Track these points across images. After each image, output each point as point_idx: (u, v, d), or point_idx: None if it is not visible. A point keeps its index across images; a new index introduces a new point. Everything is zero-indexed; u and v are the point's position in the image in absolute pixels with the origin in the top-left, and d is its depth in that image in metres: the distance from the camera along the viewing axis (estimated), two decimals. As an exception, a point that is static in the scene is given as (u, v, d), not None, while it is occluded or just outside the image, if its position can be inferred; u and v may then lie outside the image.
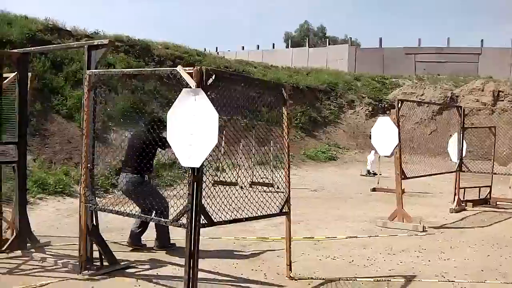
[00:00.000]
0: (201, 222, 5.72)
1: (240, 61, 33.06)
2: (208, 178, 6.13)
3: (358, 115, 31.77)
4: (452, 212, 13.23)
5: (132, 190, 8.27)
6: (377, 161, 18.49)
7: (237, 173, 17.14)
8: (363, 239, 9.92)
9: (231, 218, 6.32)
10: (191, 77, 5.70)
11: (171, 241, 8.82)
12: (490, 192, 15.05)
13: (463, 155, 13.91)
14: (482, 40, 40.04)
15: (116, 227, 9.76)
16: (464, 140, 13.98)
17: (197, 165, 5.56)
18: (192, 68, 5.83)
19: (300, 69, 36.73)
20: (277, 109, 8.03)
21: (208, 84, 5.75)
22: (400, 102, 11.51)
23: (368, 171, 20.72)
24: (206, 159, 5.60)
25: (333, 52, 42.92)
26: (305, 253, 8.84)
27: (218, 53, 48.36)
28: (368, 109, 32.23)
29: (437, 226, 11.41)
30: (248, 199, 6.89)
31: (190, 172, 5.64)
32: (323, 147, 26.30)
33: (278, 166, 21.40)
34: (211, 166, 15.86)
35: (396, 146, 11.03)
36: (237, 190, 6.77)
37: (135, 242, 8.70)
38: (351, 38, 46.74)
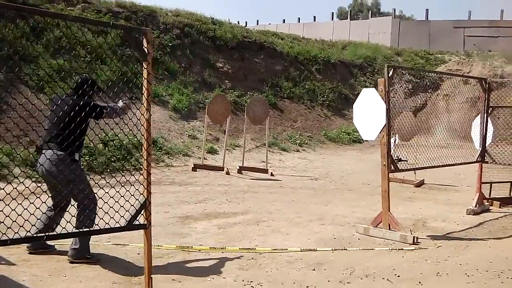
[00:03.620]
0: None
1: (265, 31, 30.27)
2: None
3: (396, 93, 28.69)
4: (469, 214, 10.40)
5: (56, 171, 6.06)
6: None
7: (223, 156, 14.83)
8: (322, 254, 7.24)
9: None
10: None
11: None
12: (524, 189, 12.11)
13: (488, 142, 11.00)
14: (541, 13, 36.24)
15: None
16: (490, 123, 11.05)
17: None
18: None
19: (336, 42, 33.84)
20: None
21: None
22: (391, 69, 8.67)
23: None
24: None
25: (375, 25, 39.71)
26: (222, 273, 6.24)
27: (258, 25, 46.03)
28: (407, 87, 29.09)
29: (438, 235, 8.62)
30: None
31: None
32: (349, 128, 23.37)
33: (287, 149, 19.04)
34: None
35: (383, 128, 8.25)
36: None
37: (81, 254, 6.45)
38: (395, 10, 43.24)
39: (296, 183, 13.29)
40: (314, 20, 46.44)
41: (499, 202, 11.41)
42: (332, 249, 7.46)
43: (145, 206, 4.95)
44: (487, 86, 10.87)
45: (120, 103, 6.75)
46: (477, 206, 10.66)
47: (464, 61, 31.50)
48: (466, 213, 10.41)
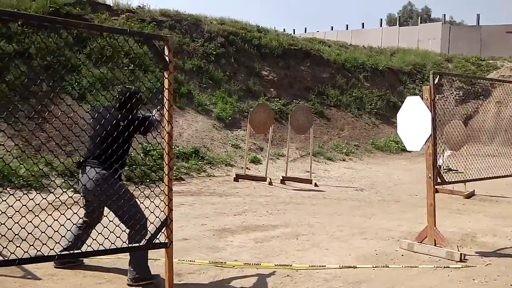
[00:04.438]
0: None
1: (311, 39, 29.90)
2: None
3: (446, 100, 27.97)
4: (522, 228, 9.85)
5: (99, 191, 5.76)
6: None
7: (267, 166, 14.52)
8: (362, 272, 6.83)
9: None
10: None
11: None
12: None
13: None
14: None
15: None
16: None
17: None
18: None
19: (384, 49, 33.26)
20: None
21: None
22: (437, 76, 8.23)
23: (440, 166, 16.99)
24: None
25: (424, 31, 38.94)
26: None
27: (307, 33, 45.80)
28: (458, 93, 28.36)
29: (488, 251, 8.12)
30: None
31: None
32: (397, 137, 22.74)
33: (333, 158, 18.63)
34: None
35: (429, 138, 7.82)
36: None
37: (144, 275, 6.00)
38: (445, 15, 42.47)
39: (340, 194, 12.89)
40: (363, 27, 45.91)
41: (554, 215, 10.82)
42: (373, 266, 7.06)
43: (166, 223, 4.66)
44: (540, 92, 10.31)
45: (157, 114, 6.24)
46: (531, 219, 10.11)
47: (518, 67, 30.60)
48: (519, 227, 9.87)
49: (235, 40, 22.37)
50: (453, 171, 15.33)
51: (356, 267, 6.98)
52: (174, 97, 17.05)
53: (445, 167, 16.04)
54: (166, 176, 4.78)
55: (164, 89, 4.77)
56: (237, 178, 13.71)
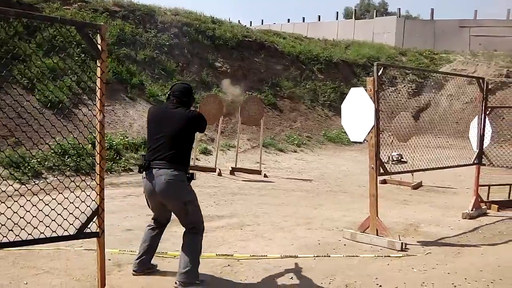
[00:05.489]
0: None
1: (267, 31, 29.89)
2: None
3: (399, 93, 28.28)
4: (465, 218, 10.01)
5: (173, 193, 5.59)
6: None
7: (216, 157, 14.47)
8: (303, 261, 6.85)
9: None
10: None
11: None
12: (524, 192, 11.72)
13: (486, 144, 10.61)
14: (548, 12, 35.45)
15: None
16: (488, 124, 10.66)
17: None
18: None
19: (339, 42, 33.46)
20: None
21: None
22: (380, 68, 8.26)
23: (392, 157, 16.96)
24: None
25: (380, 24, 39.15)
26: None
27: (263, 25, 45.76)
28: (411, 86, 28.70)
29: (429, 241, 8.24)
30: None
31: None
32: (349, 128, 22.94)
33: (285, 149, 18.67)
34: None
35: (372, 129, 7.87)
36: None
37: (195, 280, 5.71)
38: (400, 9, 42.73)
39: (289, 185, 12.92)
40: (319, 20, 46.00)
41: (497, 206, 11.03)
42: (314, 256, 7.09)
43: (98, 213, 4.58)
44: (485, 85, 10.48)
45: None
46: (474, 209, 10.28)
47: (469, 61, 31.06)
48: (462, 217, 10.03)
49: (189, 31, 22.25)
50: (403, 163, 15.51)
51: (297, 257, 7.00)
52: (125, 88, 16.88)
53: (394, 159, 16.22)
54: (98, 165, 4.69)
55: (97, 78, 4.68)
56: (187, 168, 13.61)
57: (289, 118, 21.81)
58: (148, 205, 5.96)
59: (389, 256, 7.24)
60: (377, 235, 7.85)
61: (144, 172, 5.67)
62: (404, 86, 28.79)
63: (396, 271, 6.62)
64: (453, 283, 6.22)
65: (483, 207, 10.72)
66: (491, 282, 6.32)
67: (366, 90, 8.00)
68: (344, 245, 7.77)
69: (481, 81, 10.54)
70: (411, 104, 26.97)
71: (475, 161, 10.42)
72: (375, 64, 8.18)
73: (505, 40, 33.54)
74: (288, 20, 48.80)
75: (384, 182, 13.76)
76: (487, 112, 10.70)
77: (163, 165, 5.53)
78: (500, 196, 11.45)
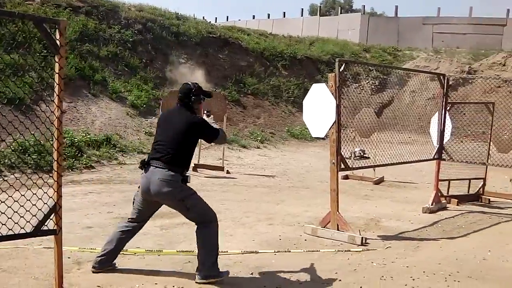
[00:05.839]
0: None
1: (231, 27, 29.86)
2: None
3: (363, 89, 28.48)
4: (425, 212, 10.15)
5: (170, 193, 5.71)
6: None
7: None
8: (264, 257, 6.86)
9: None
10: None
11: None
12: (483, 186, 11.92)
13: (447, 139, 10.76)
14: (508, 10, 35.96)
15: None
16: (448, 120, 10.80)
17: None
18: None
19: (303, 39, 33.55)
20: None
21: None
22: (342, 64, 8.29)
23: (355, 152, 17.08)
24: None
25: (344, 21, 39.38)
26: (153, 278, 5.86)
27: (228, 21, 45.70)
28: (374, 83, 28.90)
29: (389, 235, 8.33)
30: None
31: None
32: (313, 125, 23.04)
33: (248, 145, 18.68)
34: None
35: (333, 124, 7.91)
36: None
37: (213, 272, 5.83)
38: (364, 6, 43.08)
39: (251, 181, 12.92)
40: (284, 16, 46.07)
41: (457, 200, 11.21)
42: (274, 251, 7.11)
43: (55, 210, 4.53)
44: (445, 81, 10.61)
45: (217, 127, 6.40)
46: (434, 204, 10.42)
47: (432, 58, 31.43)
48: (422, 212, 10.17)
49: (153, 27, 22.12)
50: (365, 158, 15.67)
51: (257, 252, 7.01)
52: (87, 84, 16.68)
53: (357, 154, 16.36)
54: (55, 162, 4.63)
55: (55, 73, 4.62)
56: (149, 166, 13.50)
57: (253, 115, 21.83)
58: (133, 203, 6.08)
59: (349, 251, 7.30)
60: (338, 230, 7.90)
61: (143, 170, 5.82)
62: (368, 82, 28.99)
63: (356, 265, 6.68)
64: (411, 276, 6.29)
65: (443, 202, 10.88)
66: (449, 275, 6.41)
67: (328, 86, 8.04)
68: (305, 240, 7.81)
69: (441, 77, 10.69)
70: (374, 100, 27.16)
71: (436, 156, 10.56)
72: (337, 60, 8.21)
73: (467, 37, 34.04)
74: (253, 17, 48.85)
75: (346, 177, 13.85)
76: (448, 108, 10.85)
77: (160, 165, 5.65)
78: (460, 191, 11.64)
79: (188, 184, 5.86)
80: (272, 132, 21.05)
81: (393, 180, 13.88)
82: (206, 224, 5.84)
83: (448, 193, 11.36)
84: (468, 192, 11.74)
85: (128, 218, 6.17)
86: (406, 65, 30.45)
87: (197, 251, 5.88)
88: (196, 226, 5.91)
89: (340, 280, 6.08)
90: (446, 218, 9.84)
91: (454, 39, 34.33)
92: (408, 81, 26.77)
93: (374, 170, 13.28)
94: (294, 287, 5.85)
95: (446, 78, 10.68)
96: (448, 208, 10.76)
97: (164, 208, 9.28)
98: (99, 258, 5.93)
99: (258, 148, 18.80)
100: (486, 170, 11.93)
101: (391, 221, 9.35)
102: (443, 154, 10.64)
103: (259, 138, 19.59)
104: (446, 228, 9.10)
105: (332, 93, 7.92)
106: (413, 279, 6.22)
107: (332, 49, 30.86)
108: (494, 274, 6.64)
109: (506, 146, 11.37)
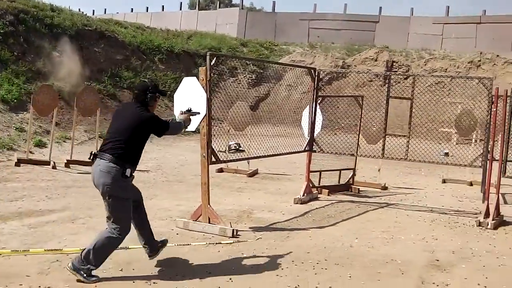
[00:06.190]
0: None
1: (107, 20, 29.30)
2: None
3: (239, 83, 28.71)
4: (296, 203, 10.39)
5: (102, 183, 5.82)
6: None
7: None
8: (134, 252, 6.77)
9: None
10: None
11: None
12: (353, 177, 12.37)
13: (317, 131, 11.04)
14: (380, 8, 37.28)
15: None
16: (319, 112, 11.09)
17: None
18: None
19: (182, 32, 33.38)
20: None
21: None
22: (213, 57, 8.31)
23: (229, 146, 17.11)
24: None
25: (223, 15, 39.50)
26: (19, 279, 5.64)
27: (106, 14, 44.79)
28: (251, 77, 29.21)
29: (261, 226, 8.48)
30: None
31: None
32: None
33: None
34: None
35: (203, 118, 7.92)
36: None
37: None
38: (243, 1, 43.25)
39: (125, 177, 12.67)
40: (163, 10, 45.66)
41: (328, 190, 11.55)
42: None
43: None
44: (316, 75, 10.88)
45: (181, 116, 6.86)
46: (305, 195, 10.68)
47: (308, 52, 32.13)
48: (294, 202, 10.40)
49: (26, 19, 21.20)
50: (241, 151, 15.82)
51: (128, 248, 6.90)
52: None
53: (232, 147, 16.49)
54: None
55: None
56: (19, 162, 12.99)
57: (129, 109, 21.45)
58: None
59: (220, 243, 7.36)
60: (209, 223, 7.94)
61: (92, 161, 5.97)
62: (245, 76, 29.25)
63: (227, 257, 6.76)
64: (280, 266, 6.44)
65: (314, 192, 11.18)
66: (317, 263, 6.62)
67: (199, 79, 8.05)
68: (177, 234, 7.78)
69: (312, 71, 10.95)
70: (251, 94, 27.51)
71: (306, 148, 10.81)
72: (208, 54, 8.25)
73: (342, 33, 35.12)
74: (132, 10, 48.06)
75: (220, 170, 13.94)
76: (319, 101, 11.14)
77: (104, 156, 5.79)
78: (332, 181, 12.02)
79: (129, 179, 5.99)
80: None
81: (267, 173, 14.10)
82: (114, 232, 5.87)
83: (319, 184, 11.68)
84: (339, 182, 12.13)
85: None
86: (283, 59, 30.97)
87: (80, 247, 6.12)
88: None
89: (209, 273, 6.12)
90: (316, 208, 10.12)
91: (329, 35, 35.28)
92: (284, 75, 27.33)
93: (248, 163, 13.44)
94: (161, 281, 5.83)
95: (316, 72, 10.94)
96: (319, 198, 11.08)
97: (32, 206, 9.07)
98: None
99: (134, 143, 18.47)
100: (356, 161, 12.38)
101: (263, 212, 9.51)
102: (314, 146, 10.91)
103: (136, 133, 19.25)
104: (316, 217, 9.37)
105: (203, 87, 7.93)
106: (282, 269, 6.38)
107: (210, 43, 30.86)
108: (360, 260, 6.94)
109: (374, 138, 11.81)
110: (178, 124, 6.69)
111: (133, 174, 6.05)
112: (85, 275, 5.68)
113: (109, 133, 6.00)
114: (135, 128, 5.84)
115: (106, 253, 5.87)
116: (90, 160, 6.05)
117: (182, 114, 6.90)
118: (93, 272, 5.74)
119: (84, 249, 5.79)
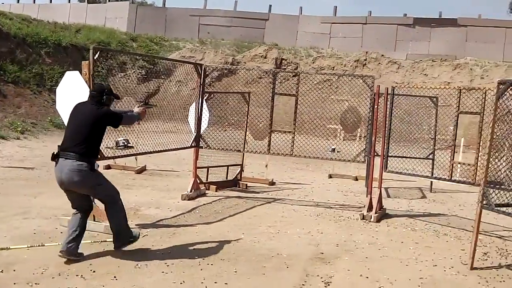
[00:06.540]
0: None
1: (-12, 11, 28.16)
2: None
3: (129, 78, 28.35)
4: (184, 199, 10.43)
5: (77, 181, 6.30)
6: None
7: None
8: (16, 253, 6.60)
9: None
10: None
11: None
12: (240, 172, 12.54)
13: (204, 127, 11.10)
14: (270, 6, 37.78)
15: None
16: (206, 109, 11.16)
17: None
18: None
19: (70, 25, 32.51)
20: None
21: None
22: (97, 51, 8.20)
23: (117, 142, 16.88)
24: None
25: (113, 9, 38.78)
26: None
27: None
28: (141, 72, 28.91)
29: (147, 223, 8.47)
30: None
31: None
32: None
33: (7, 136, 17.77)
34: None
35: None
36: None
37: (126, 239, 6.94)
38: (133, -4, 42.75)
39: (8, 174, 12.18)
40: (51, 2, 44.30)
41: (215, 186, 11.63)
42: (27, 246, 6.86)
43: None
44: (202, 71, 10.92)
45: (136, 109, 7.36)
46: (193, 191, 10.72)
47: (198, 48, 32.19)
48: (181, 199, 10.43)
49: None
50: (129, 148, 15.64)
51: (9, 248, 6.72)
52: None
53: (121, 144, 16.29)
54: None
55: None
56: None
57: (13, 104, 20.76)
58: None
59: (105, 241, 7.27)
60: (94, 221, 7.82)
61: (55, 161, 6.35)
62: (134, 71, 28.93)
63: (111, 255, 6.70)
64: (166, 263, 6.48)
65: (202, 188, 11.23)
66: (203, 259, 6.72)
67: (81, 74, 7.92)
68: (61, 233, 7.58)
69: (198, 67, 10.98)
70: (141, 89, 27.21)
71: (193, 144, 10.85)
72: (91, 48, 8.14)
73: (232, 30, 35.37)
74: (18, 1, 46.29)
75: (108, 167, 13.72)
76: (205, 97, 11.20)
77: (68, 156, 6.21)
78: (220, 177, 12.11)
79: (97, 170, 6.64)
80: (33, 122, 20.17)
81: (155, 169, 14.03)
82: (111, 204, 6.67)
83: (207, 180, 11.75)
84: (227, 178, 12.25)
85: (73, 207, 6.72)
86: (172, 55, 30.86)
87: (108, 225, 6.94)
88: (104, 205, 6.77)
89: (94, 271, 6.07)
90: (204, 204, 10.19)
91: (220, 31, 35.43)
92: (174, 71, 27.28)
93: (136, 159, 13.34)
94: (46, 281, 5.72)
95: (203, 68, 10.99)
96: (207, 195, 11.15)
97: None
98: (69, 244, 6.35)
99: (18, 139, 17.87)
100: (243, 156, 12.55)
101: (150, 209, 9.48)
102: (201, 142, 10.96)
103: (19, 129, 18.64)
104: (203, 213, 9.44)
105: (86, 81, 7.81)
106: (167, 266, 6.41)
107: (98, 37, 30.27)
108: (246, 255, 7.08)
109: (261, 134, 12.00)
110: (131, 116, 7.17)
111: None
112: (129, 238, 6.89)
113: (68, 132, 6.42)
114: (94, 123, 6.33)
115: (125, 217, 6.86)
116: (52, 161, 6.43)
117: (138, 107, 7.40)
118: None
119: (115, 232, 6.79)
